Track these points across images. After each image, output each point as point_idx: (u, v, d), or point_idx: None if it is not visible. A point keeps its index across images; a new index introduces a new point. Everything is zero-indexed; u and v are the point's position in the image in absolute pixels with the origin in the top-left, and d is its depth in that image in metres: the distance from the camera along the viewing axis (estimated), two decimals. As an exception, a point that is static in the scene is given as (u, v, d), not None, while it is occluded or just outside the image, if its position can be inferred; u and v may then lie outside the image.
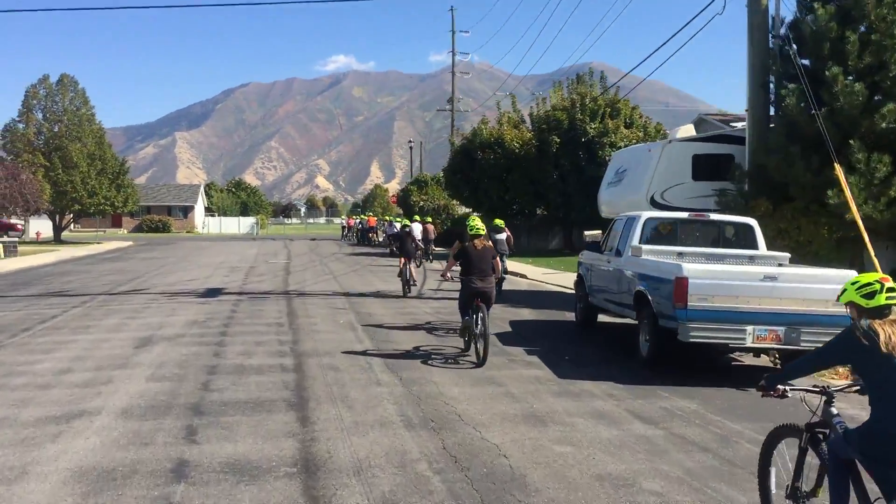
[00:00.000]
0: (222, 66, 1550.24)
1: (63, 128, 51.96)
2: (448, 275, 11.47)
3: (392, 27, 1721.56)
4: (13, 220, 52.99)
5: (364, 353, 11.11)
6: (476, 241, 10.78)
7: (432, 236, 31.80)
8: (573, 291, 20.56)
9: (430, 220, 33.27)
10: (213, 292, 19.52)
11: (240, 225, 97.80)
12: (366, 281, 23.39)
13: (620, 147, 34.04)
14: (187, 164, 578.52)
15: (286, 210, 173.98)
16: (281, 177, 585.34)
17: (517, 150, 35.00)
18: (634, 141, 34.33)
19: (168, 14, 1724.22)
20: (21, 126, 51.50)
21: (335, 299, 18.13)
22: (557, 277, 23.29)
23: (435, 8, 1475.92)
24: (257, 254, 39.16)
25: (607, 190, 19.67)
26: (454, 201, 48.10)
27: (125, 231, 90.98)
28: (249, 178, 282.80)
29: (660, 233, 12.43)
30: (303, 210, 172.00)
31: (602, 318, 13.98)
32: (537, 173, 34.91)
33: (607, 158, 33.84)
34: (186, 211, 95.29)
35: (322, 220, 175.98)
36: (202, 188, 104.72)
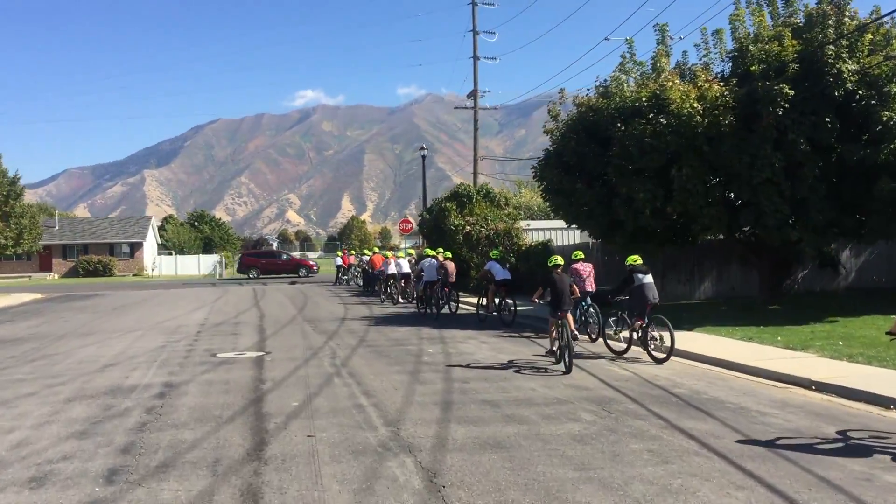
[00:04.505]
0: (191, 103, 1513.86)
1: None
2: None
3: (360, 62, 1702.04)
4: None
5: None
6: None
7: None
8: None
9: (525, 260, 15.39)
10: None
11: (200, 264, 79.70)
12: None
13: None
14: (156, 202, 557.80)
15: (257, 245, 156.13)
16: (252, 212, 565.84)
17: (698, 120, 18.01)
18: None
19: (134, 51, 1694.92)
20: None
21: None
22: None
23: (403, 42, 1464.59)
24: (204, 324, 21.86)
25: None
26: (521, 224, 31.04)
27: (55, 276, 72.79)
28: (220, 214, 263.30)
29: None
30: (275, 244, 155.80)
31: None
32: (736, 161, 18.02)
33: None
34: (134, 249, 77.39)
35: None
36: (153, 221, 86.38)
